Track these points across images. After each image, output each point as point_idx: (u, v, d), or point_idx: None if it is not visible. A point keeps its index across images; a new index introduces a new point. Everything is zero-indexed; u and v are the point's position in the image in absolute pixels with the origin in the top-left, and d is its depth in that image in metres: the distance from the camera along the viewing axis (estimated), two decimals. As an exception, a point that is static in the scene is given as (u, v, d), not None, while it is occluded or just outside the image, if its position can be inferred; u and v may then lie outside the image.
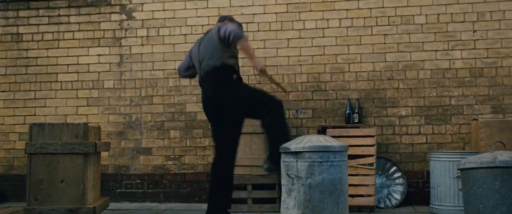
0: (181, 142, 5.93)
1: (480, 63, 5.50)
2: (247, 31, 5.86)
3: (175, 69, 5.97)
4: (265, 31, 5.86)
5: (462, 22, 5.55)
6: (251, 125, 5.15)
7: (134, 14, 6.10)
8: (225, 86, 4.21)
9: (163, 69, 6.02)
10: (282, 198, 3.91)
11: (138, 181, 5.94)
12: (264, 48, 5.85)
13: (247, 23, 5.87)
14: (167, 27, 6.04)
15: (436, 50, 5.57)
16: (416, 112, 5.58)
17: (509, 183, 3.09)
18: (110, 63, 6.12)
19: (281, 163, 3.98)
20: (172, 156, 5.93)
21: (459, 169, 3.36)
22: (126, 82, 6.07)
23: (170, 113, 5.97)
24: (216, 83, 4.22)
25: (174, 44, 6.02)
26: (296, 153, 3.76)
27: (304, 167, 3.72)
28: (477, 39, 5.52)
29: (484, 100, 5.47)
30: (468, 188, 3.25)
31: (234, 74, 4.29)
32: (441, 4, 5.59)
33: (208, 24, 5.93)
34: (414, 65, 5.60)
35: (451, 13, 5.57)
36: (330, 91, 5.74)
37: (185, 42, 5.98)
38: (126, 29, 6.11)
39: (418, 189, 5.51)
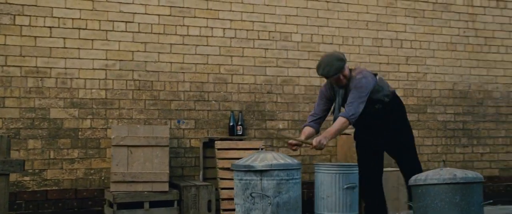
0: (42, 153, 5.00)
1: (344, 83, 6.06)
2: (126, 32, 5.32)
3: (36, 66, 5.05)
4: (146, 33, 5.39)
5: (331, 44, 6.05)
6: (153, 137, 4.69)
7: (-21, -6, 4.93)
8: None
9: (20, 66, 4.99)
10: (237, 219, 3.70)
11: (-18, 202, 4.78)
12: (145, 51, 5.38)
13: (126, 22, 5.32)
14: (27, 15, 5.04)
15: (310, 68, 5.94)
16: (291, 125, 5.85)
17: (468, 197, 3.54)
18: None
19: (236, 181, 3.76)
20: (31, 171, 4.95)
21: (416, 185, 3.69)
22: (-33, 79, 4.85)
23: (29, 118, 4.99)
24: None
25: (36, 37, 5.05)
26: (261, 171, 3.62)
27: (272, 185, 3.60)
28: (342, 61, 6.07)
29: (347, 117, 6.05)
30: (428, 202, 3.60)
31: None
32: (314, 25, 5.99)
33: (79, 18, 5.16)
34: (291, 81, 5.87)
35: (322, 35, 6.01)
36: (213, 102, 5.59)
37: (51, 36, 5.09)
38: (-32, 12, 4.89)
39: (292, 199, 5.77)
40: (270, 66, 5.80)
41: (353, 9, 6.15)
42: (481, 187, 3.66)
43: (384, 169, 5.55)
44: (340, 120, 3.90)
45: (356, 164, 5.36)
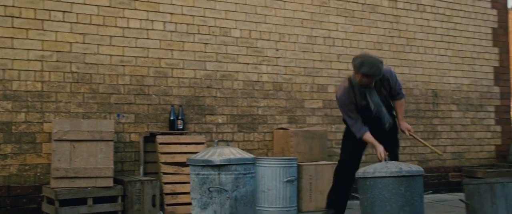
0: (-28, 149, 4.71)
1: (280, 79, 6.23)
2: (64, 22, 5.12)
3: (-36, 56, 4.72)
4: (85, 24, 5.21)
5: (268, 40, 6.17)
6: (98, 131, 4.56)
7: None
8: None
9: None
10: (194, 213, 3.73)
11: None
12: (84, 43, 5.20)
13: (63, 12, 5.12)
14: (-46, 1, 4.70)
15: (248, 63, 6.04)
16: (230, 120, 5.91)
17: (411, 188, 3.81)
18: None
19: (193, 176, 3.78)
20: (-41, 167, 4.64)
21: (365, 178, 3.90)
22: None
23: (-43, 111, 4.67)
24: None
25: (-36, 24, 4.73)
26: (219, 166, 3.66)
27: (230, 180, 3.66)
28: (279, 57, 6.23)
29: (283, 112, 6.22)
30: (375, 193, 3.83)
31: None
32: (252, 22, 6.08)
33: (12, 6, 4.88)
34: (230, 76, 5.93)
35: (260, 31, 6.13)
36: (153, 96, 5.52)
37: (-19, 24, 4.79)
38: None
39: (231, 193, 5.85)
40: (209, 61, 5.82)
41: (289, 7, 6.31)
42: (422, 179, 3.96)
43: (324, 163, 5.81)
44: (403, 102, 4.66)
45: (295, 158, 5.56)
